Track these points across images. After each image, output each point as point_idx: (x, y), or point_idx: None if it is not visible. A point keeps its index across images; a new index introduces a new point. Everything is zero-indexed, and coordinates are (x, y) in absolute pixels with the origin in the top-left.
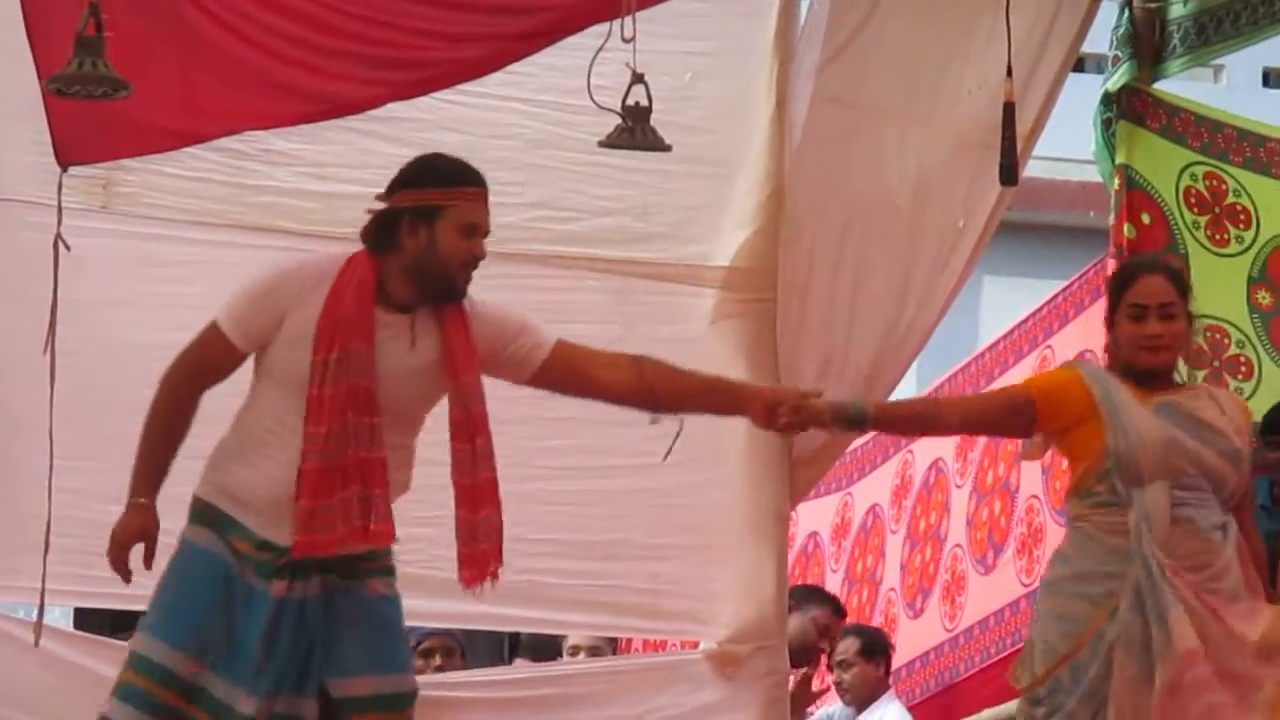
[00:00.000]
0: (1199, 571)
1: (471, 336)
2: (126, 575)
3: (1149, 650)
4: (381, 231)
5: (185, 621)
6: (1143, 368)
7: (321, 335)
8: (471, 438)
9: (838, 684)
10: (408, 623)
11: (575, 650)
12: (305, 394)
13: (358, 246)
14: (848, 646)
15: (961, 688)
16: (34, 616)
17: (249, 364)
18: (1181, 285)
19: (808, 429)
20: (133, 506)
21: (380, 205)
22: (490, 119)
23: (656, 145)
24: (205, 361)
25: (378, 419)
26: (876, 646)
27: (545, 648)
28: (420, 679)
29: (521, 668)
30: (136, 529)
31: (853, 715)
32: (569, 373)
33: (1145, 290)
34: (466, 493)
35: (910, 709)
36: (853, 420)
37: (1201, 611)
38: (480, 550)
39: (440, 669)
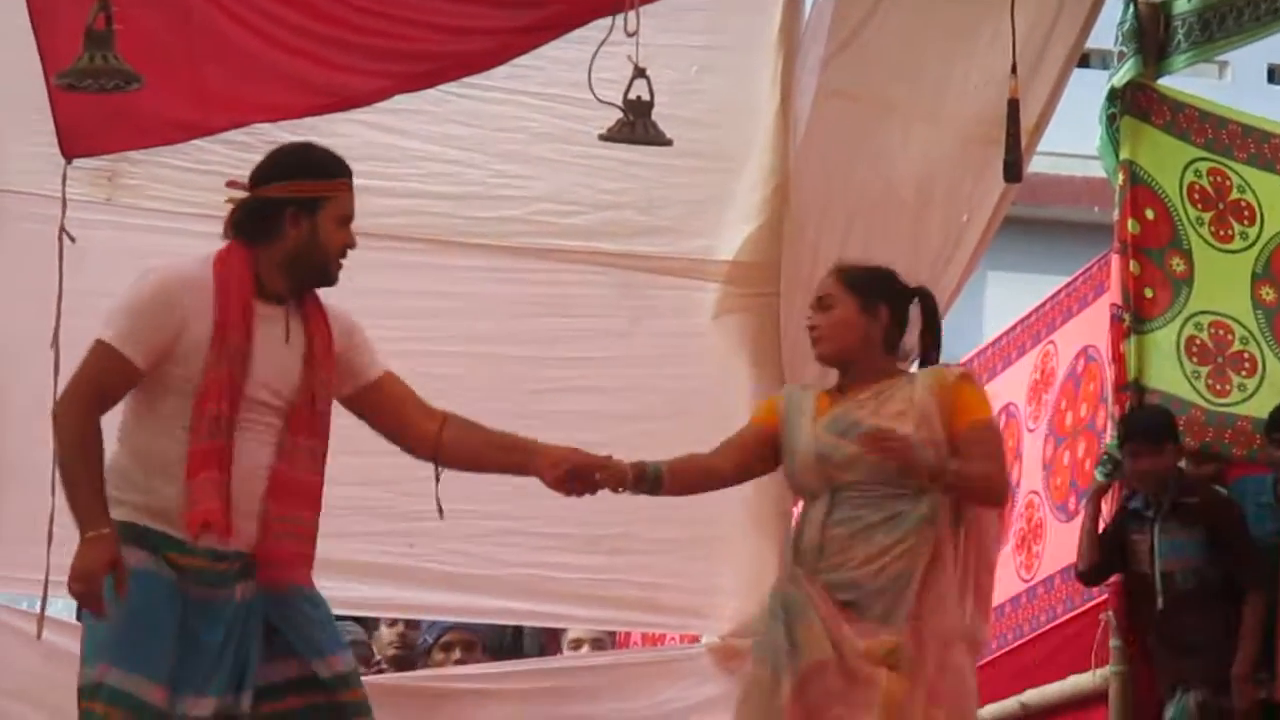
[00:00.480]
0: (836, 571)
1: (330, 330)
2: (102, 609)
3: (781, 656)
4: (260, 221)
5: (154, 650)
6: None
7: (215, 336)
8: (310, 434)
9: None
10: (423, 617)
11: (577, 643)
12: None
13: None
14: None
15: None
16: (36, 608)
17: None
18: (850, 280)
19: (602, 489)
20: (95, 539)
21: (238, 193)
22: (496, 112)
23: (657, 140)
24: (106, 386)
25: (236, 412)
26: None
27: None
28: (441, 672)
29: (529, 661)
30: (106, 561)
31: None
32: (387, 404)
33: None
34: (281, 484)
35: None
36: (651, 483)
37: (834, 618)
38: (280, 548)
39: (460, 662)
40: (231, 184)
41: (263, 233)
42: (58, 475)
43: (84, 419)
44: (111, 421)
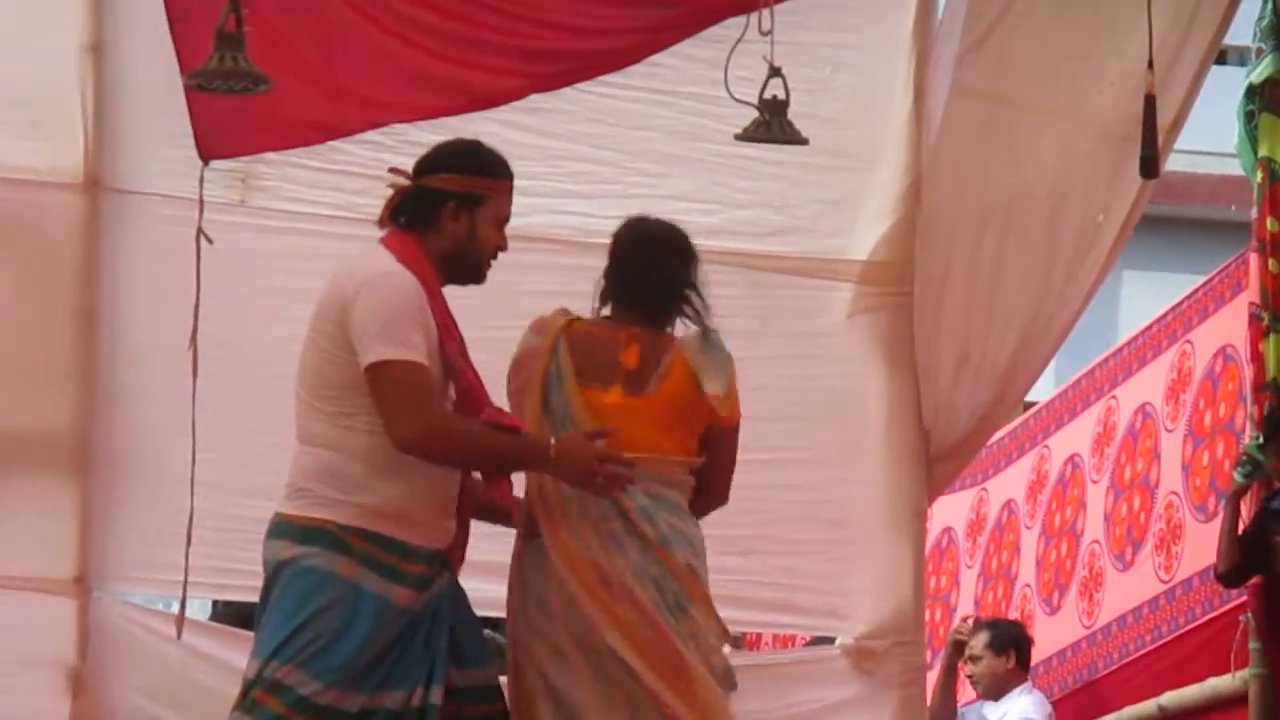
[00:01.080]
0: None
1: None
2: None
3: None
4: (419, 210)
5: (350, 661)
6: None
7: (442, 335)
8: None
9: (969, 677)
10: None
11: None
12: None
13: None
14: (977, 641)
15: (1100, 684)
16: (173, 609)
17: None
18: None
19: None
20: (559, 444)
21: (399, 180)
22: (632, 110)
23: (793, 139)
24: (426, 392)
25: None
26: (1006, 640)
27: None
28: None
29: None
30: (583, 448)
31: (982, 707)
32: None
33: None
34: (467, 482)
35: (1051, 704)
36: None
37: None
38: (463, 546)
39: None
40: (394, 170)
41: (421, 221)
42: (449, 464)
43: (438, 417)
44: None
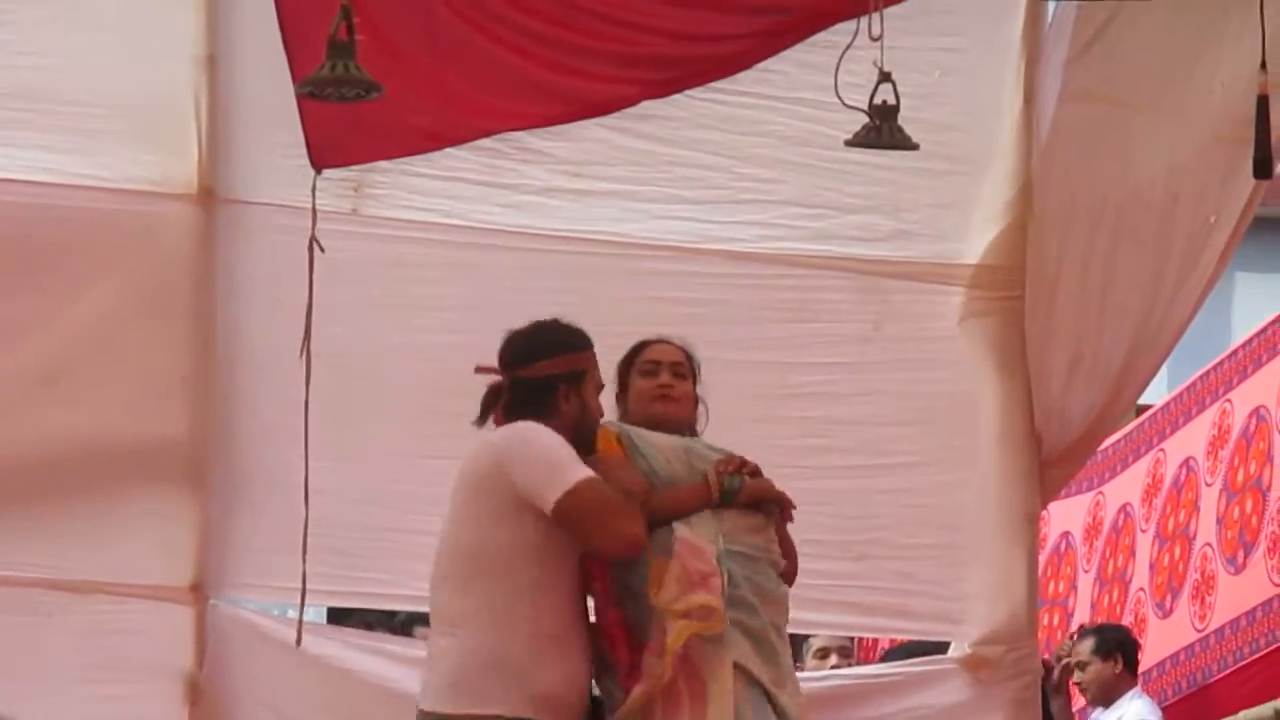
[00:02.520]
0: None
1: None
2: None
3: None
4: (535, 398)
5: None
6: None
7: None
8: None
9: (1077, 684)
10: None
11: (824, 653)
12: (571, 569)
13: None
14: (1084, 647)
15: (1213, 689)
16: (289, 615)
17: None
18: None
19: None
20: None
21: (491, 375)
22: (744, 116)
23: (904, 144)
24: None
25: None
26: (1111, 644)
27: None
28: None
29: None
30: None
31: (1098, 714)
32: None
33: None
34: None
35: (1161, 710)
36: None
37: None
38: None
39: None
40: (481, 369)
41: (535, 411)
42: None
43: (640, 511)
44: None
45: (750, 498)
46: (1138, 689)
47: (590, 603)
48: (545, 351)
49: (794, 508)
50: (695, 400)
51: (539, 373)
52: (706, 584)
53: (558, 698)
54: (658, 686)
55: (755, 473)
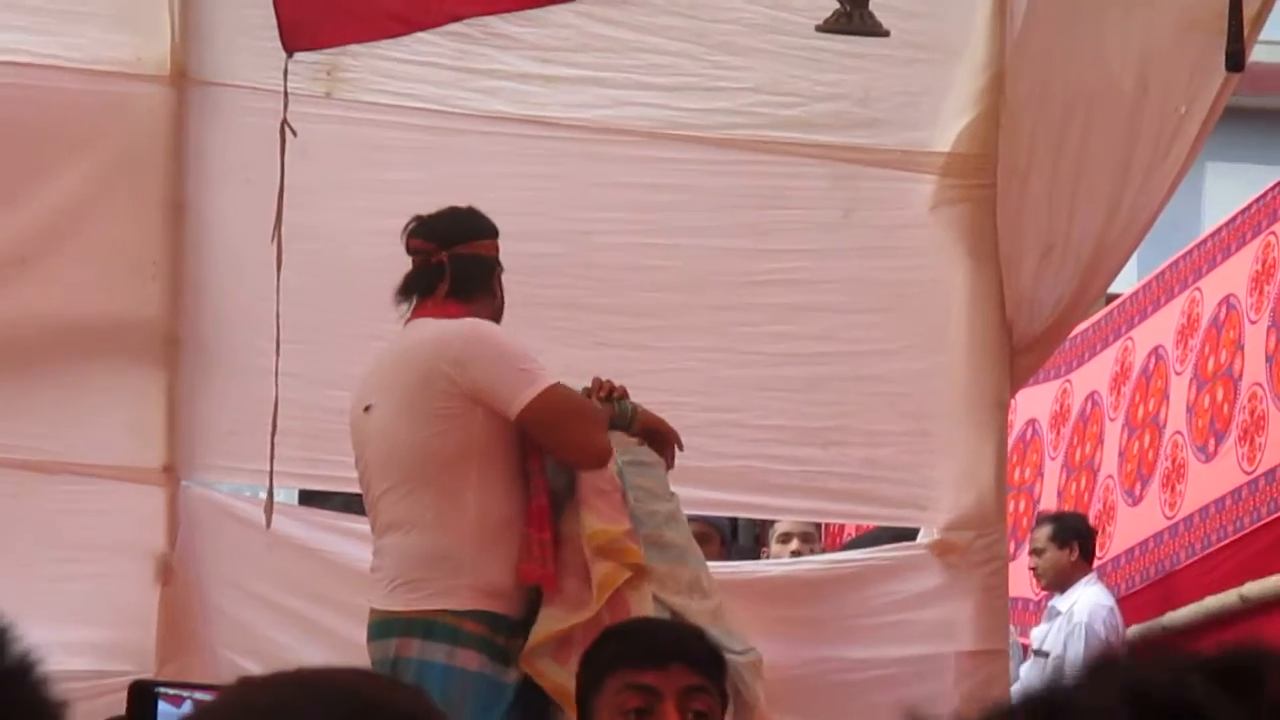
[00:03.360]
0: None
1: None
2: None
3: None
4: (480, 277)
5: None
6: None
7: None
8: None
9: (1032, 569)
10: None
11: (786, 537)
12: (514, 462)
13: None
14: (1040, 534)
15: (1181, 575)
16: (260, 497)
17: None
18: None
19: None
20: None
21: (417, 251)
22: (714, 3)
23: (875, 30)
24: None
25: None
26: (1068, 531)
27: None
28: None
29: (747, 565)
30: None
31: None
32: None
33: None
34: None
35: (1129, 596)
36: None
37: None
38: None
39: None
40: (413, 242)
41: (473, 291)
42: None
43: (601, 414)
44: None
45: (644, 426)
46: (1092, 575)
47: None
48: (483, 232)
49: (682, 447)
50: None
51: (481, 251)
52: (614, 504)
53: (504, 588)
54: (585, 619)
55: (623, 394)
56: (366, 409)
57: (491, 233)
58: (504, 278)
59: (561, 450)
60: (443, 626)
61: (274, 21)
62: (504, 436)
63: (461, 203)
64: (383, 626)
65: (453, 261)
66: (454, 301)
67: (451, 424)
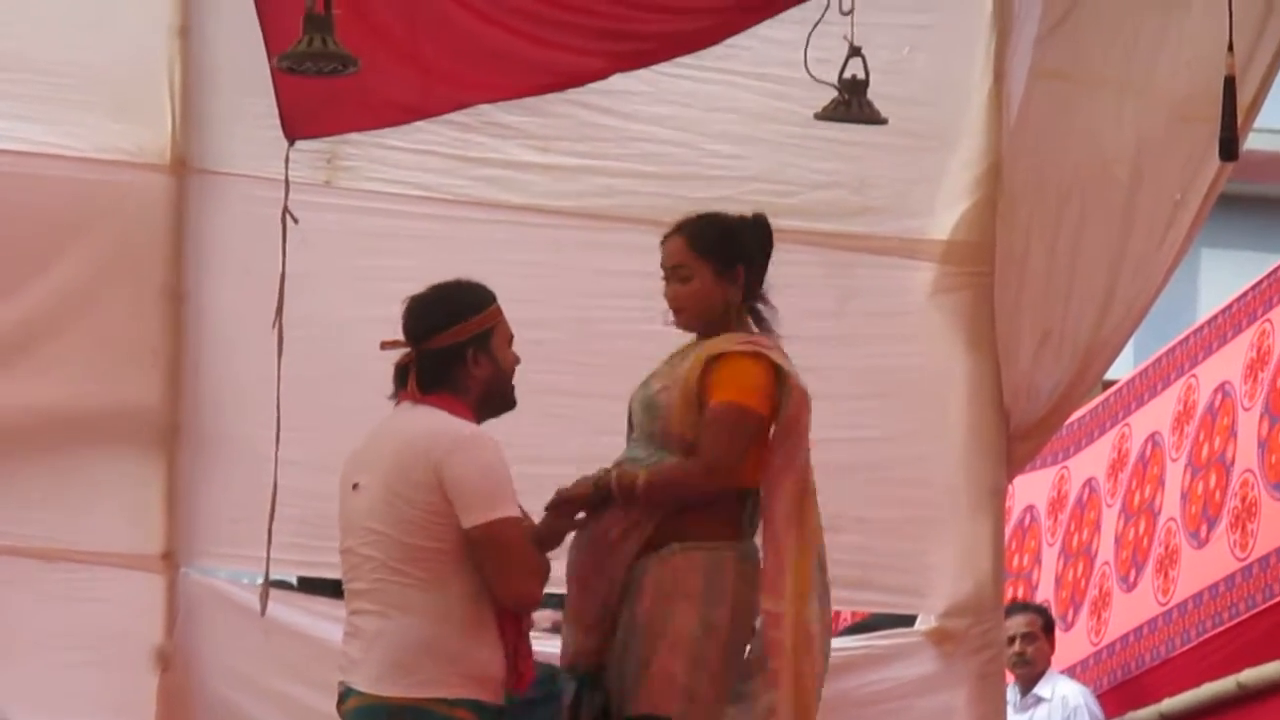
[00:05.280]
0: None
1: None
2: None
3: None
4: (444, 369)
5: None
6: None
7: None
8: None
9: (1020, 655)
10: None
11: None
12: None
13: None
14: (1030, 621)
15: (1176, 662)
16: (258, 584)
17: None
18: (702, 243)
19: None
20: None
21: (397, 351)
22: (709, 92)
23: (872, 118)
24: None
25: None
26: (1050, 622)
27: None
28: None
29: None
30: None
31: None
32: None
33: (663, 254)
34: None
35: (1125, 682)
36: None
37: None
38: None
39: None
40: (387, 344)
41: (448, 380)
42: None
43: (544, 562)
44: None
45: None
46: (1053, 669)
47: None
48: (448, 320)
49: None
50: (710, 291)
51: (444, 343)
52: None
53: (490, 676)
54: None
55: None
56: (355, 486)
57: (467, 311)
58: None
59: (490, 583)
60: (434, 715)
61: (273, 110)
62: None
63: None
64: (369, 711)
65: (419, 358)
66: (434, 394)
67: (436, 517)
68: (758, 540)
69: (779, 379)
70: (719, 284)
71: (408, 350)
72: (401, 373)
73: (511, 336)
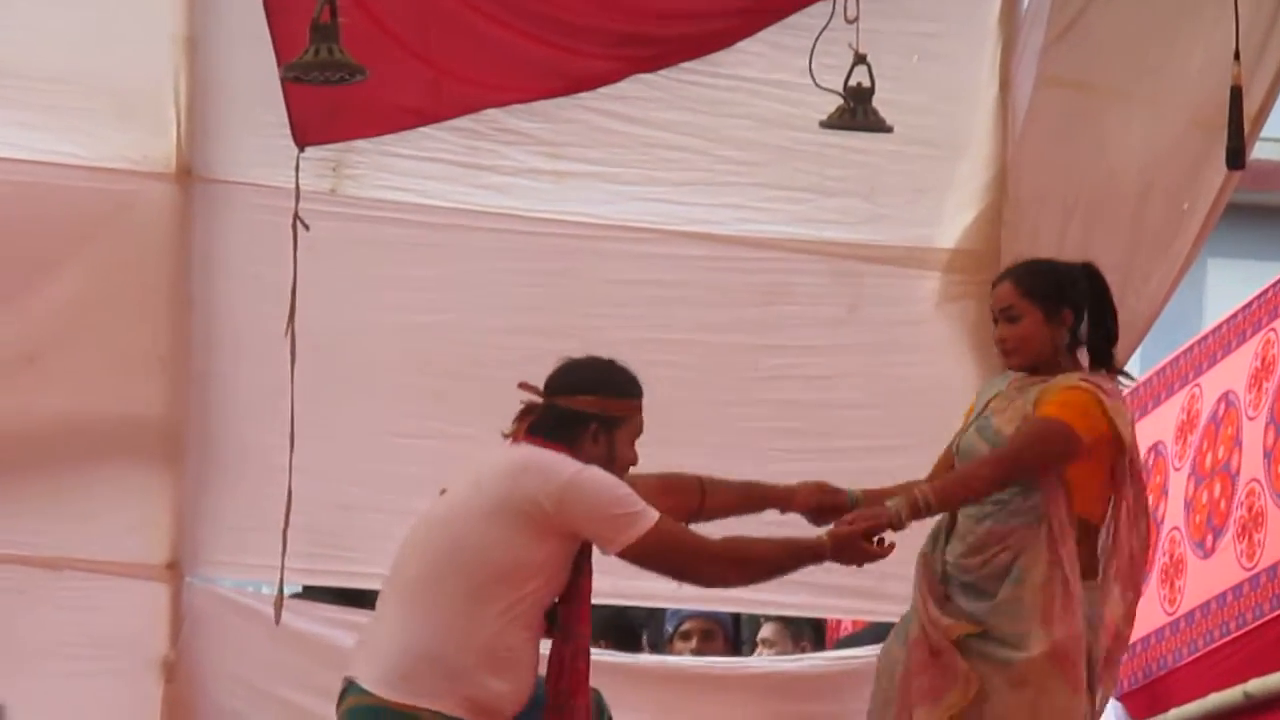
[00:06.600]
0: (955, 553)
1: None
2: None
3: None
4: (562, 430)
5: None
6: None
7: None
8: None
9: None
10: (654, 605)
11: (687, 634)
12: (543, 607)
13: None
14: None
15: (1182, 672)
16: (263, 593)
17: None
18: (1027, 285)
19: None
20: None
21: (533, 397)
22: (722, 98)
23: (878, 126)
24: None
25: None
26: None
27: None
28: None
29: (764, 659)
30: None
31: None
32: None
33: (993, 299)
34: None
35: (1132, 692)
36: (918, 512)
37: (925, 595)
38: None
39: (698, 651)
40: (523, 386)
41: (561, 439)
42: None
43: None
44: None
45: None
46: None
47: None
48: (588, 386)
49: None
50: (1041, 331)
51: (574, 404)
52: None
53: (498, 711)
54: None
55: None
56: (442, 492)
57: (610, 390)
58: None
59: (678, 578)
60: None
61: (279, 118)
62: (552, 577)
63: (470, 299)
64: (365, 711)
65: (547, 407)
66: (547, 442)
67: (515, 545)
68: None
69: (1110, 428)
70: (1047, 326)
71: (539, 399)
72: (521, 416)
73: (639, 434)
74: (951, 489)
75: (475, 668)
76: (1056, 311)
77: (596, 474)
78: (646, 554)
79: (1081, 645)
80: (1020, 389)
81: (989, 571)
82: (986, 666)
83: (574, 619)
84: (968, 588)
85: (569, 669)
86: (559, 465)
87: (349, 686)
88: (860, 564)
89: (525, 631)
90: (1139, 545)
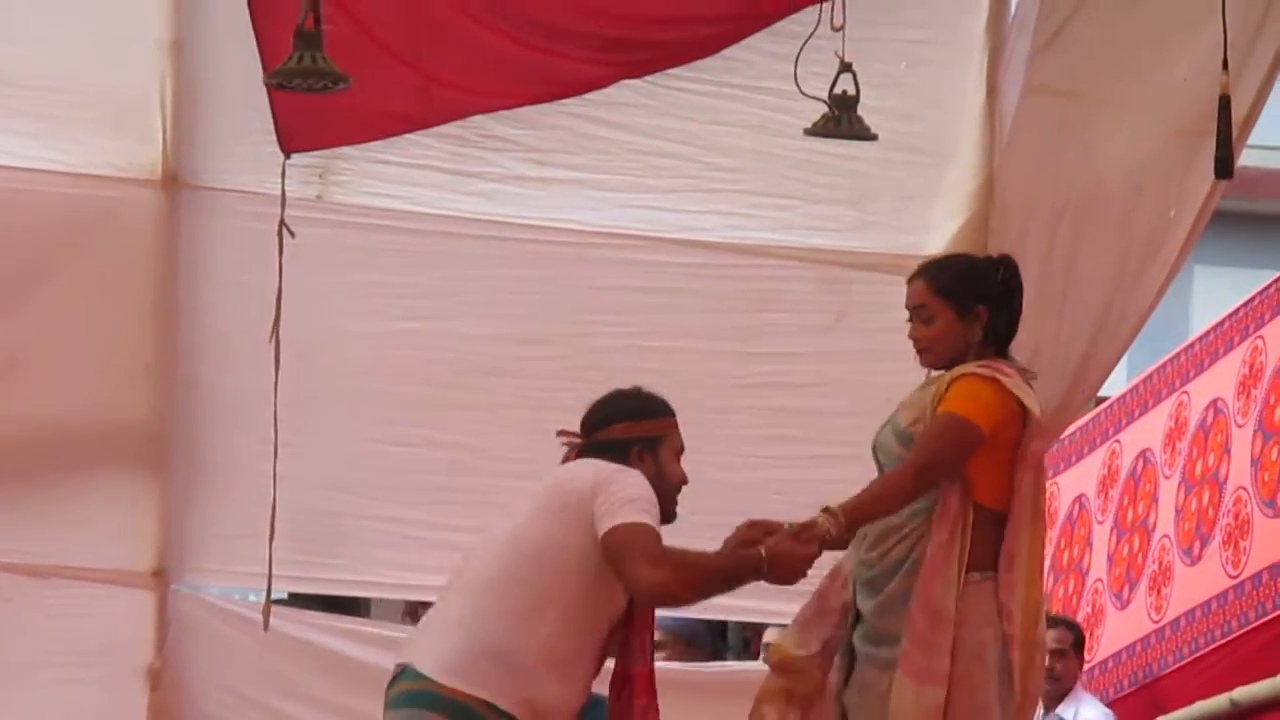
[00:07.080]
0: (861, 551)
1: None
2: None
3: None
4: (611, 457)
5: None
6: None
7: None
8: None
9: (1048, 671)
10: None
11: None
12: (607, 612)
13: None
14: (1060, 636)
15: (1169, 680)
16: (250, 600)
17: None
18: (939, 283)
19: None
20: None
21: (568, 438)
22: (710, 105)
23: (862, 134)
24: None
25: None
26: (1082, 640)
27: None
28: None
29: (729, 664)
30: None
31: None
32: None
33: (907, 297)
34: None
35: (1118, 700)
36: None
37: None
38: None
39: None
40: (563, 434)
41: (614, 462)
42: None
43: (678, 555)
44: None
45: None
46: (1079, 686)
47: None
48: (621, 415)
49: None
50: (954, 329)
51: (613, 434)
52: None
53: (550, 710)
54: None
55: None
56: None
57: (638, 414)
58: (505, 382)
59: (620, 580)
60: (478, 716)
61: (265, 125)
62: (610, 583)
63: (457, 306)
64: (417, 696)
65: (587, 447)
66: None
67: (573, 542)
68: None
69: (1017, 405)
70: (960, 324)
71: (579, 441)
72: (566, 460)
73: (682, 450)
74: (863, 508)
75: (535, 667)
76: (970, 309)
77: (636, 474)
78: (624, 544)
79: (949, 638)
80: (928, 383)
81: (886, 565)
82: (873, 669)
83: (634, 642)
84: (869, 584)
85: (629, 692)
86: (609, 465)
87: (403, 671)
88: (793, 581)
89: (580, 640)
90: (1041, 529)
